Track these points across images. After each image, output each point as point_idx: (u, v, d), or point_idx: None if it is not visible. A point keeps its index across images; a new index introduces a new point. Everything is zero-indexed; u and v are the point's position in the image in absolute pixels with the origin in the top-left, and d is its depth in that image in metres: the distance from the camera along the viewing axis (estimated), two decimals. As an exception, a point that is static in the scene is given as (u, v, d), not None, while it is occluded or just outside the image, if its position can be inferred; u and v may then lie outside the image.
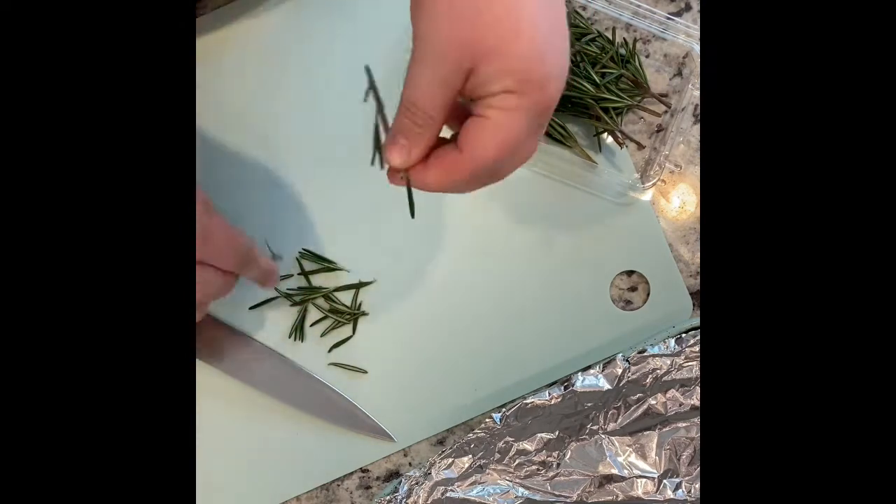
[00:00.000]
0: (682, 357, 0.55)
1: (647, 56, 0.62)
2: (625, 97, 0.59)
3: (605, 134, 0.61)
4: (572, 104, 0.60)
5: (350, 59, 0.63)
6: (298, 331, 0.60)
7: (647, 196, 0.61)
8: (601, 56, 0.59)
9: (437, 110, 0.40)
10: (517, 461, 0.55)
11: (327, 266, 0.61)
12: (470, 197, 0.61)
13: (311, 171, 0.62)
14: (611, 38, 0.60)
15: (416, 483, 0.55)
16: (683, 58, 0.62)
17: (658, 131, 0.62)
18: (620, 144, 0.61)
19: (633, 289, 0.61)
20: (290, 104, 0.62)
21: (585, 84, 0.59)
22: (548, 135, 0.61)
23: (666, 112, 0.61)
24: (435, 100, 0.40)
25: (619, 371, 0.55)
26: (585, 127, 0.61)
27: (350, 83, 0.62)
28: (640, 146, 0.61)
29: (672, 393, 0.55)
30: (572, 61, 0.59)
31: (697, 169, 0.62)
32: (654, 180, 0.59)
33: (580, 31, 0.60)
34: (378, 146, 0.44)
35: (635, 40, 0.61)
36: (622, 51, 0.60)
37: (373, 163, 0.44)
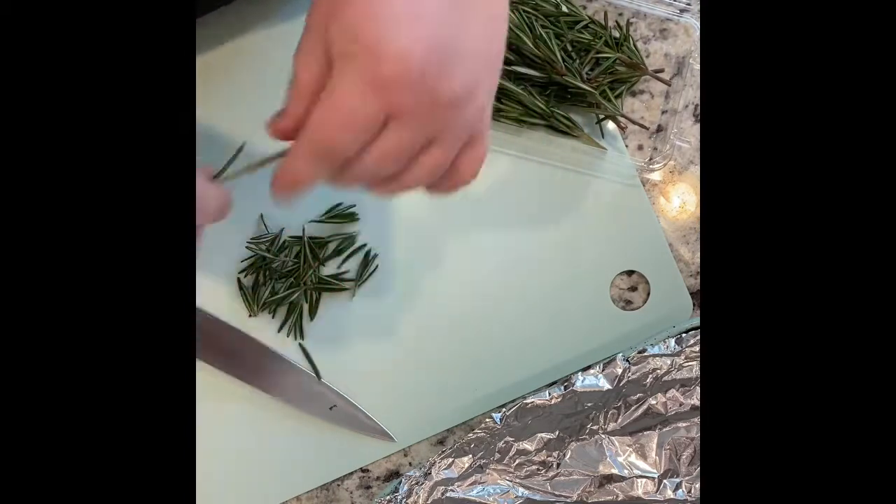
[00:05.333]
0: (682, 357, 0.55)
1: (648, 56, 0.62)
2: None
3: (607, 120, 0.61)
4: (571, 94, 0.60)
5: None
6: (297, 327, 0.60)
7: (656, 176, 0.61)
8: (594, 42, 0.59)
9: (305, 77, 0.40)
10: (517, 461, 0.55)
11: (341, 217, 0.61)
12: (469, 198, 0.61)
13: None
14: (603, 22, 0.60)
15: (416, 483, 0.55)
16: (683, 58, 0.62)
17: (663, 113, 0.62)
18: (623, 129, 0.61)
19: (633, 289, 0.61)
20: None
21: (578, 74, 0.59)
22: (552, 127, 0.61)
23: (668, 88, 0.62)
24: (305, 67, 0.40)
25: (620, 371, 0.55)
26: (588, 116, 0.61)
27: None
28: (645, 127, 0.61)
29: (672, 393, 0.55)
30: (565, 51, 0.59)
31: (697, 169, 0.62)
32: (666, 160, 0.60)
33: (572, 18, 0.60)
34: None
35: (628, 22, 0.61)
36: (615, 34, 0.60)
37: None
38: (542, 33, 0.59)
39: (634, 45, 0.61)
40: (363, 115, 0.38)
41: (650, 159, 0.61)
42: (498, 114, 0.60)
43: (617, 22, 0.61)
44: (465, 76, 0.39)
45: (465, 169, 0.44)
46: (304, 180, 0.42)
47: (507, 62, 0.59)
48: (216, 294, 0.61)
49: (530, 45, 0.58)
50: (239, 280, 0.61)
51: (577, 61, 0.59)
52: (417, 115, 0.39)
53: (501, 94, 0.60)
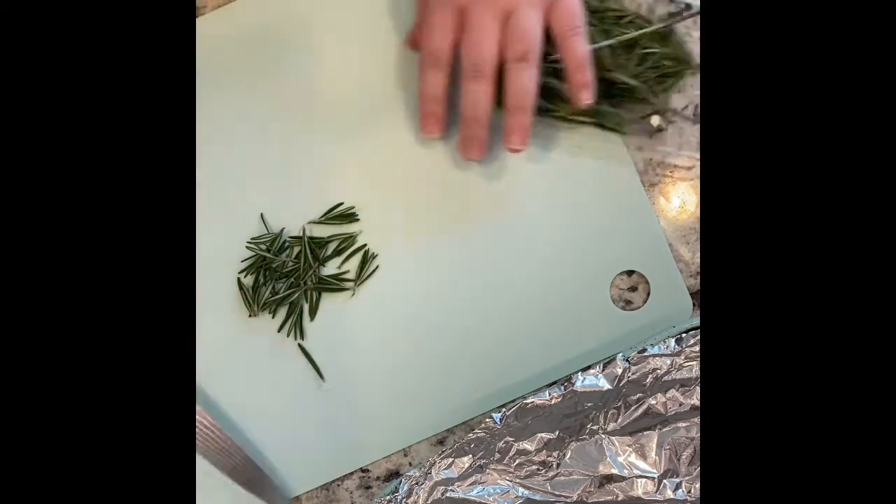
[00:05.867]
0: (682, 357, 0.55)
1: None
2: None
3: (654, 116, 0.61)
4: (619, 90, 0.60)
5: (348, 56, 0.63)
6: (297, 327, 0.60)
7: (657, 175, 0.61)
8: (641, 36, 0.59)
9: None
10: (517, 461, 0.55)
11: (341, 218, 0.61)
12: (469, 199, 0.61)
13: (311, 165, 0.62)
14: (647, 16, 0.60)
15: (416, 483, 0.55)
16: (683, 58, 0.62)
17: None
18: (669, 123, 0.61)
19: (633, 289, 0.61)
20: (289, 100, 0.62)
21: (626, 70, 0.59)
22: (600, 125, 0.61)
23: None
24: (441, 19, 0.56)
25: (620, 371, 0.55)
26: (635, 111, 0.61)
27: (348, 81, 0.62)
28: (695, 122, 0.61)
29: (672, 393, 0.55)
30: (611, 48, 0.59)
31: (697, 169, 0.62)
32: (667, 160, 0.60)
33: (617, 14, 0.60)
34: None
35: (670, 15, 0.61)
36: (661, 28, 0.60)
37: None
38: (589, 30, 0.59)
39: (678, 40, 0.60)
40: (440, 20, 0.55)
41: (651, 159, 0.61)
42: (546, 113, 0.60)
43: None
44: None
45: (560, 17, 0.56)
46: (434, 94, 0.57)
47: (554, 60, 0.59)
48: (216, 294, 0.61)
49: None
50: (239, 280, 0.61)
51: (624, 57, 0.59)
52: (474, 1, 0.54)
53: (549, 93, 0.60)
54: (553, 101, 0.60)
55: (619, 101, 0.61)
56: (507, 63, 0.55)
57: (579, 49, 0.55)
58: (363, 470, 0.60)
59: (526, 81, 0.55)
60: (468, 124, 0.57)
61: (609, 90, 0.60)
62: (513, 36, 0.54)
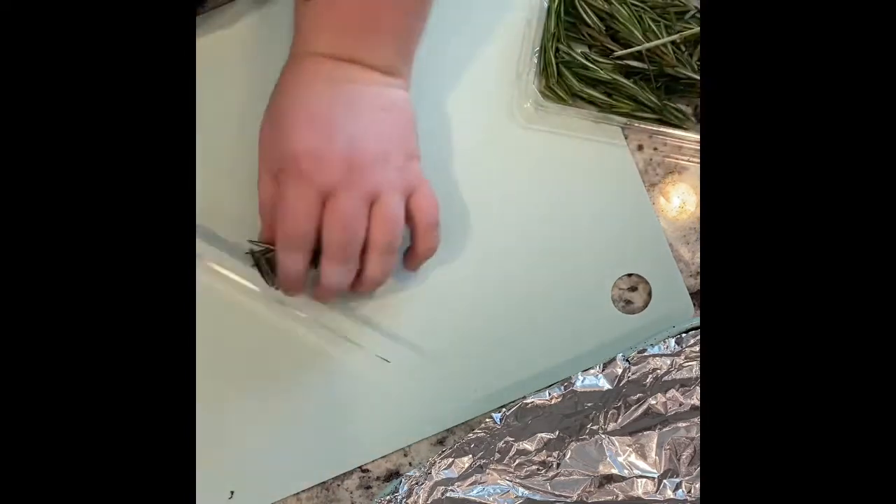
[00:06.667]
0: (682, 357, 0.55)
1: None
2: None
3: None
4: (683, 85, 0.61)
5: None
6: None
7: (657, 176, 0.61)
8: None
9: (265, 197, 0.53)
10: (517, 461, 0.55)
11: None
12: (469, 201, 0.61)
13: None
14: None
15: (416, 483, 0.55)
16: (684, 58, 0.62)
17: None
18: None
19: (633, 289, 0.61)
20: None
21: (689, 65, 0.60)
22: (663, 120, 0.61)
23: None
24: (264, 189, 0.53)
25: (619, 371, 0.55)
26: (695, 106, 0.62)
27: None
28: (695, 122, 0.62)
29: (672, 393, 0.55)
30: (673, 43, 0.59)
31: (697, 169, 0.62)
32: (666, 160, 0.60)
33: (679, 9, 0.61)
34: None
35: None
36: None
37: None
38: (652, 25, 0.59)
39: None
40: (304, 202, 0.50)
41: (651, 159, 0.61)
42: (611, 109, 0.60)
43: None
44: (369, 148, 0.51)
45: (422, 208, 0.54)
46: (296, 275, 0.53)
47: (617, 57, 0.59)
48: (217, 292, 0.60)
49: (640, 37, 0.59)
50: (253, 252, 0.59)
51: (687, 52, 0.60)
52: (342, 184, 0.50)
53: (612, 90, 0.60)
54: (616, 98, 0.60)
55: (682, 97, 0.61)
56: (369, 251, 0.52)
57: (435, 243, 0.55)
58: (363, 470, 0.60)
59: (382, 272, 0.53)
60: (324, 295, 0.55)
61: (672, 85, 0.60)
62: (379, 225, 0.51)
